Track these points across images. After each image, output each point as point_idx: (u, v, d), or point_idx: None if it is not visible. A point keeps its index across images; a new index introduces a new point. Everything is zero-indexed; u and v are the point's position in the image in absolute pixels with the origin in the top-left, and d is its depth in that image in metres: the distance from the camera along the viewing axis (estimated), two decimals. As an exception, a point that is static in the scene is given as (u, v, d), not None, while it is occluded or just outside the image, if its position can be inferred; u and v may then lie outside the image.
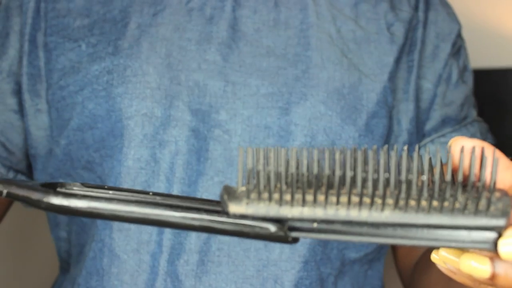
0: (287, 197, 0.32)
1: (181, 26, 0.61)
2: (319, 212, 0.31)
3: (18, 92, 0.64)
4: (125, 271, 0.57)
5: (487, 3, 0.96)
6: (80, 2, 0.63)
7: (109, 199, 0.33)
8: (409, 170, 0.32)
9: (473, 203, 0.30)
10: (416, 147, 0.35)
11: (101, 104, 0.59)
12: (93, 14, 0.62)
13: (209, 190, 0.57)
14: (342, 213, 0.31)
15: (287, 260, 0.58)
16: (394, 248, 0.71)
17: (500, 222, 0.30)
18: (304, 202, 0.32)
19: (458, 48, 0.68)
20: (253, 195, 0.32)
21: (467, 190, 0.32)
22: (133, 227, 0.57)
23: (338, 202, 0.31)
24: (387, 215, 0.31)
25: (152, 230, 0.57)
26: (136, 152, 0.57)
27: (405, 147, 0.33)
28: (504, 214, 0.30)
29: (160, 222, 0.33)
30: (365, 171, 0.32)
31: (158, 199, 0.37)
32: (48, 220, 0.68)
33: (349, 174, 0.31)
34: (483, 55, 0.87)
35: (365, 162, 0.34)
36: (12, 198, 0.33)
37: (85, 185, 0.38)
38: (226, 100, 0.59)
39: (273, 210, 0.32)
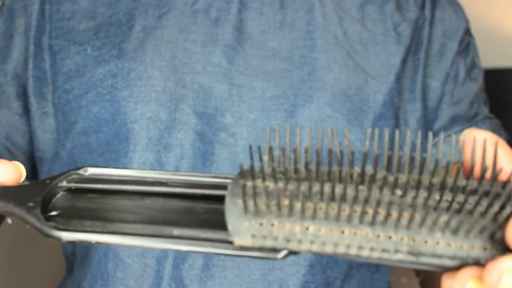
0: (297, 228, 0.30)
1: (186, 28, 0.60)
2: (328, 249, 0.30)
3: (22, 95, 0.64)
4: (130, 276, 0.57)
5: (488, 4, 0.96)
6: (85, 4, 0.62)
7: (113, 214, 0.33)
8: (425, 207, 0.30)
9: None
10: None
11: (105, 107, 0.58)
12: (98, 17, 0.62)
13: None
14: (352, 252, 0.30)
15: (292, 263, 0.58)
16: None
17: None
18: (314, 237, 0.30)
19: (466, 45, 0.68)
20: (258, 227, 0.30)
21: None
22: None
23: (349, 245, 0.30)
24: (400, 258, 0.29)
25: None
26: (141, 156, 0.57)
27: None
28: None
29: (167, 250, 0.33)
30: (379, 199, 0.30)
31: (163, 181, 0.36)
32: None
33: (362, 201, 0.30)
34: (484, 55, 0.87)
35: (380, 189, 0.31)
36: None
37: (90, 176, 0.36)
38: (232, 103, 0.58)
39: (281, 245, 0.30)
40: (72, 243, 0.32)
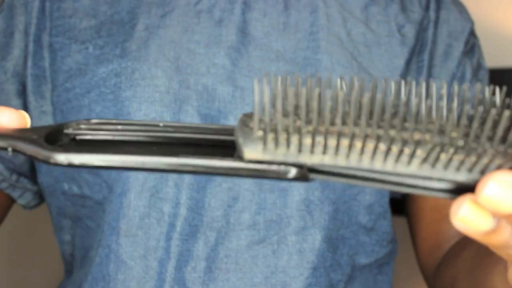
0: (307, 141, 0.29)
1: (190, 28, 0.59)
2: (341, 161, 0.29)
3: (22, 93, 0.63)
4: (131, 278, 0.56)
5: (488, 3, 0.96)
6: (86, 2, 0.61)
7: (117, 147, 0.32)
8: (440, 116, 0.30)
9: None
10: (465, 86, 0.32)
11: (108, 107, 0.58)
12: (100, 15, 0.61)
13: (217, 196, 0.57)
14: (366, 163, 0.29)
15: (295, 266, 0.57)
16: (417, 247, 0.70)
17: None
18: (325, 148, 0.29)
19: (471, 46, 0.67)
20: (270, 139, 0.30)
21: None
22: (140, 233, 0.56)
23: (362, 150, 0.29)
24: (414, 169, 0.29)
25: (160, 236, 0.56)
26: None
27: (443, 91, 0.31)
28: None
29: (172, 170, 0.31)
30: (395, 108, 0.30)
31: (170, 130, 0.35)
32: (52, 222, 0.67)
33: (376, 114, 0.29)
34: (485, 55, 0.87)
35: (396, 98, 0.31)
36: (18, 153, 0.32)
37: (91, 122, 0.36)
38: (235, 106, 0.58)
39: (292, 157, 0.29)
40: (72, 166, 0.30)
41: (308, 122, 0.30)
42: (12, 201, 0.68)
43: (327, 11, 0.61)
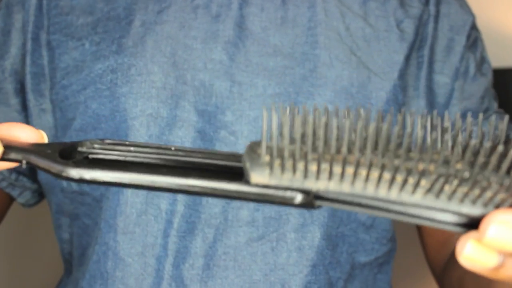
0: (313, 167, 0.30)
1: (187, 24, 0.59)
2: (345, 188, 0.29)
3: (21, 91, 0.63)
4: (129, 275, 0.56)
5: (487, 3, 0.95)
6: None
7: (128, 167, 0.32)
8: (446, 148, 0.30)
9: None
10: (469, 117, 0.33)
11: (104, 103, 0.57)
12: (97, 12, 0.61)
13: None
14: (370, 190, 0.29)
15: (294, 264, 0.57)
16: (424, 244, 0.69)
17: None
18: (330, 175, 0.30)
19: (474, 40, 0.67)
20: (277, 164, 0.30)
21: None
22: (137, 230, 0.56)
23: (367, 178, 0.29)
24: (418, 199, 0.29)
25: (157, 233, 0.56)
26: None
27: (446, 115, 0.31)
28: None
29: (181, 191, 0.32)
30: (400, 139, 0.30)
31: (181, 154, 0.36)
32: (52, 220, 0.67)
33: (381, 144, 0.29)
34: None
35: (402, 129, 0.31)
36: (31, 166, 0.33)
37: (105, 142, 0.37)
38: (233, 101, 0.57)
39: (298, 182, 0.30)
40: (83, 181, 0.32)
41: (314, 149, 0.31)
42: (11, 199, 0.68)
43: (325, 6, 0.61)
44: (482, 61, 0.67)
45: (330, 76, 0.59)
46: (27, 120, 0.63)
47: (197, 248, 0.56)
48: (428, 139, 0.31)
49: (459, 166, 0.30)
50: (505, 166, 0.29)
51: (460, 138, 0.31)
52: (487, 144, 0.29)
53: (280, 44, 0.60)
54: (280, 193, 0.30)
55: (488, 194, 0.28)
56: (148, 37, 0.58)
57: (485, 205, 0.28)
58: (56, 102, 0.61)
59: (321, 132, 0.30)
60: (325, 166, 0.30)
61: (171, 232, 0.56)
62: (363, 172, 0.30)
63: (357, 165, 0.29)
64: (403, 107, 0.62)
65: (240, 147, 0.57)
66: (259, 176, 0.30)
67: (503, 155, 0.30)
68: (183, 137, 0.56)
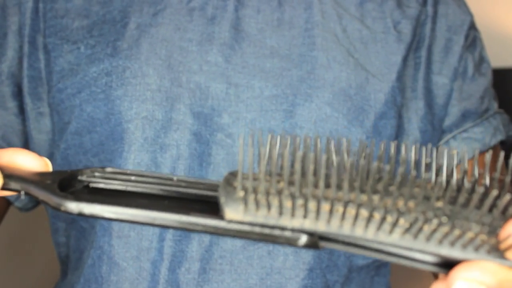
0: (288, 204, 0.29)
1: (182, 26, 0.59)
2: (321, 226, 0.29)
3: (18, 94, 0.63)
4: (124, 279, 0.56)
5: (487, 3, 0.95)
6: (79, 2, 0.61)
7: (129, 199, 0.32)
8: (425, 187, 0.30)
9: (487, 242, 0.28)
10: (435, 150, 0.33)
11: (99, 107, 0.57)
12: (92, 15, 0.60)
13: None
14: (346, 229, 0.29)
15: (291, 267, 0.56)
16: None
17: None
18: (306, 212, 0.29)
19: (472, 39, 0.66)
20: (252, 200, 0.29)
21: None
22: (133, 233, 0.56)
23: (343, 216, 0.29)
24: (396, 239, 0.28)
25: (153, 237, 0.55)
26: (136, 156, 0.56)
27: (428, 160, 0.31)
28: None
29: (177, 228, 0.31)
30: (378, 177, 0.30)
31: (183, 185, 0.35)
32: (49, 224, 0.67)
33: (358, 181, 0.29)
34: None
35: (379, 171, 0.31)
36: (31, 196, 0.33)
37: (105, 171, 0.36)
38: (229, 103, 0.57)
39: (272, 219, 0.29)
40: (82, 215, 0.31)
41: (291, 184, 0.30)
42: (8, 203, 0.67)
43: (322, 8, 0.61)
44: (481, 61, 0.67)
45: (328, 77, 0.58)
46: (24, 123, 0.63)
47: (193, 252, 0.56)
48: (410, 175, 0.30)
49: (439, 204, 0.29)
50: (486, 205, 0.28)
51: (443, 178, 0.30)
52: (467, 185, 0.29)
53: (277, 45, 0.59)
54: (287, 233, 0.29)
55: (468, 235, 0.28)
56: (143, 39, 0.58)
57: (464, 247, 0.28)
58: (53, 105, 0.60)
59: (297, 166, 0.29)
60: (300, 202, 0.29)
61: (166, 236, 0.55)
62: (339, 209, 0.29)
63: (333, 202, 0.29)
64: (402, 109, 0.61)
65: (237, 150, 0.56)
66: (233, 212, 0.29)
67: (485, 194, 0.30)
68: (179, 140, 0.56)
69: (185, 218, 0.30)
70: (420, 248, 0.28)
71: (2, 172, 0.33)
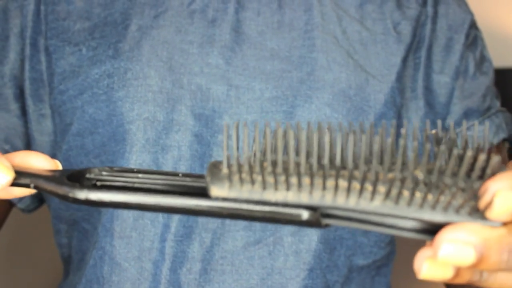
0: (271, 179, 0.30)
1: (183, 28, 0.59)
2: (304, 197, 0.30)
3: (20, 96, 0.63)
4: (126, 280, 0.56)
5: (487, 3, 0.95)
6: (80, 5, 0.61)
7: (134, 189, 0.33)
8: (404, 156, 0.31)
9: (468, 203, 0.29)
10: (427, 129, 0.33)
11: (101, 108, 0.57)
12: (94, 17, 0.61)
13: None
14: (328, 199, 0.30)
15: (292, 268, 0.57)
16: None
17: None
18: (288, 186, 0.30)
19: (473, 38, 0.66)
20: (236, 177, 0.31)
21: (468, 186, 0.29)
22: (134, 234, 0.56)
23: (324, 187, 0.30)
24: (377, 205, 0.29)
25: (154, 237, 0.56)
26: (138, 157, 0.56)
27: (403, 130, 0.31)
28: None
29: (184, 212, 0.32)
30: (356, 152, 0.31)
31: (188, 180, 0.36)
32: (52, 225, 0.67)
33: (338, 155, 0.30)
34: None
35: (356, 144, 0.32)
36: (40, 190, 0.34)
37: (113, 169, 0.37)
38: (230, 105, 0.57)
39: (256, 194, 0.30)
40: (89, 203, 0.32)
41: (274, 162, 0.31)
42: (11, 205, 0.68)
43: (322, 10, 0.61)
44: (483, 59, 0.67)
45: (328, 79, 0.58)
46: (26, 125, 0.63)
47: (195, 252, 0.56)
48: (388, 148, 0.31)
49: (417, 172, 0.30)
50: (463, 169, 0.29)
51: (415, 144, 0.31)
52: (443, 148, 0.29)
53: (277, 47, 0.59)
54: (288, 210, 0.30)
55: (448, 199, 0.28)
56: (145, 41, 0.58)
57: (445, 210, 0.28)
58: (55, 107, 0.61)
59: (279, 146, 0.31)
60: (283, 178, 0.30)
61: (168, 236, 0.56)
62: (319, 182, 0.30)
63: (312, 175, 0.30)
64: (402, 109, 0.62)
65: None
66: (218, 189, 0.31)
67: (461, 159, 0.30)
68: (180, 141, 0.56)
69: (171, 199, 0.31)
70: (402, 214, 0.29)
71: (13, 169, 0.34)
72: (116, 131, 0.57)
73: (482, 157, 0.28)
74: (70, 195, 0.32)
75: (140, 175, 0.36)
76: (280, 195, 0.30)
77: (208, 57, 0.58)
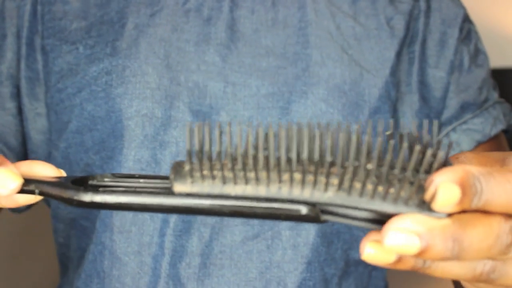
0: (230, 174, 0.32)
1: (179, 27, 0.60)
2: (261, 190, 0.31)
3: (17, 95, 0.64)
4: (126, 274, 0.57)
5: (487, 3, 0.96)
6: (76, 5, 0.62)
7: (137, 192, 0.33)
8: (358, 150, 0.32)
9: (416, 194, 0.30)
10: (390, 129, 0.34)
11: (100, 105, 0.58)
12: (90, 17, 0.62)
13: None
14: (285, 191, 0.31)
15: (290, 261, 0.57)
16: None
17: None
18: (246, 180, 0.31)
19: (467, 32, 0.67)
20: (197, 173, 0.32)
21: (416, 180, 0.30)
22: (134, 229, 0.57)
23: (280, 180, 0.31)
24: (330, 197, 0.30)
25: (154, 232, 0.57)
26: (136, 153, 0.57)
27: (357, 127, 0.32)
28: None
29: (187, 211, 0.33)
30: (311, 148, 0.32)
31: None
32: (51, 224, 0.68)
33: (294, 152, 0.31)
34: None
35: (311, 140, 0.33)
36: (45, 196, 0.35)
37: (115, 175, 0.38)
38: (227, 101, 0.58)
39: (217, 188, 0.32)
40: (94, 205, 0.33)
41: (233, 159, 0.32)
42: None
43: (315, 7, 0.62)
44: (477, 52, 0.68)
45: (322, 74, 0.59)
46: (22, 124, 0.64)
47: (194, 247, 0.57)
48: (340, 143, 0.32)
49: (369, 165, 0.31)
50: (411, 163, 0.30)
51: (366, 138, 0.32)
52: (392, 143, 0.31)
53: (272, 44, 0.60)
54: (287, 205, 0.31)
55: (397, 191, 0.30)
56: (142, 39, 0.59)
57: (395, 201, 0.30)
58: (51, 105, 0.62)
59: (238, 142, 0.32)
60: (241, 173, 0.32)
61: (167, 231, 0.56)
62: (275, 175, 0.31)
63: (268, 169, 0.31)
64: (397, 103, 0.63)
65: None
66: (181, 185, 0.32)
67: (410, 153, 0.31)
68: (178, 137, 0.57)
69: (174, 200, 0.32)
70: (354, 205, 0.30)
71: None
72: (115, 128, 0.58)
73: (429, 152, 0.29)
74: (75, 198, 0.33)
75: (141, 180, 0.37)
76: (239, 189, 0.31)
77: (204, 55, 0.59)
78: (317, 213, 0.31)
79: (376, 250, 0.29)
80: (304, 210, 0.31)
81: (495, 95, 0.68)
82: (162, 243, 0.56)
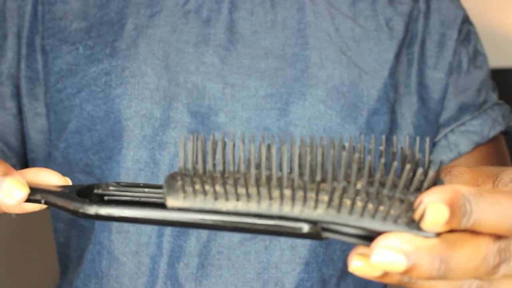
0: (221, 190, 0.32)
1: (178, 28, 0.60)
2: (252, 206, 0.31)
3: (17, 95, 0.64)
4: (124, 274, 0.57)
5: (487, 3, 0.96)
6: (76, 5, 0.63)
7: (142, 204, 0.34)
8: (348, 167, 0.32)
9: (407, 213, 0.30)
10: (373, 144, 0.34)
11: (99, 105, 0.58)
12: (90, 17, 0.62)
13: None
14: (275, 208, 0.31)
15: (287, 262, 0.58)
16: None
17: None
18: (238, 196, 0.32)
19: (466, 33, 0.67)
20: (189, 188, 0.32)
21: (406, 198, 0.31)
22: (132, 229, 0.57)
23: (271, 197, 0.31)
24: (320, 214, 0.31)
25: (152, 232, 0.57)
26: (135, 153, 0.57)
27: (347, 144, 0.32)
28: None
29: (198, 227, 0.33)
30: (302, 164, 0.33)
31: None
32: (51, 224, 0.68)
33: (285, 168, 0.31)
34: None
35: (302, 156, 0.33)
36: (51, 206, 0.35)
37: (121, 184, 0.38)
38: (225, 103, 0.58)
39: (209, 203, 0.32)
40: (98, 217, 0.33)
41: (224, 175, 0.33)
42: None
43: (314, 8, 0.62)
44: (476, 54, 0.68)
45: (321, 76, 0.59)
46: (22, 124, 0.64)
47: (192, 247, 0.57)
48: (330, 160, 0.32)
49: (359, 183, 0.31)
50: (402, 182, 0.30)
51: (356, 156, 0.32)
52: (383, 161, 0.31)
53: (271, 46, 0.61)
54: (289, 223, 0.31)
55: (387, 209, 0.30)
56: (141, 40, 0.59)
57: (384, 219, 0.30)
58: (51, 105, 0.62)
59: (230, 158, 0.33)
60: (231, 188, 0.32)
61: (165, 231, 0.57)
62: (265, 191, 0.32)
63: (258, 186, 0.31)
64: (395, 104, 0.63)
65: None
66: (174, 200, 0.32)
67: (401, 172, 0.32)
68: (177, 138, 0.57)
69: (178, 214, 0.33)
70: (343, 222, 0.30)
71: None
72: (114, 128, 0.58)
73: (419, 171, 0.30)
74: (81, 210, 0.33)
75: (146, 190, 0.37)
76: (230, 205, 0.32)
77: (203, 56, 0.59)
78: (317, 231, 0.31)
79: (363, 264, 0.30)
80: (306, 228, 0.31)
81: (494, 97, 0.68)
82: (160, 243, 0.56)
